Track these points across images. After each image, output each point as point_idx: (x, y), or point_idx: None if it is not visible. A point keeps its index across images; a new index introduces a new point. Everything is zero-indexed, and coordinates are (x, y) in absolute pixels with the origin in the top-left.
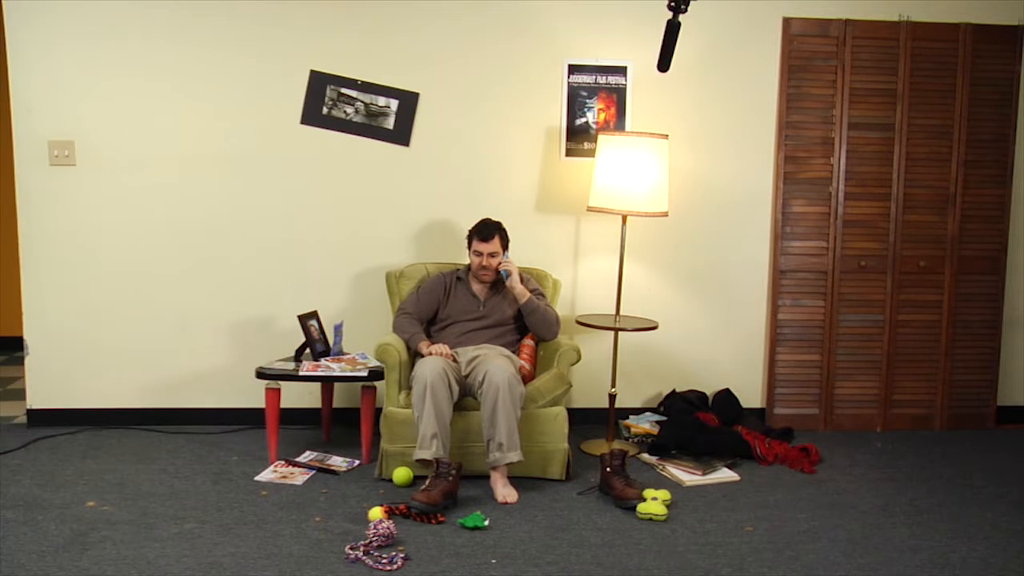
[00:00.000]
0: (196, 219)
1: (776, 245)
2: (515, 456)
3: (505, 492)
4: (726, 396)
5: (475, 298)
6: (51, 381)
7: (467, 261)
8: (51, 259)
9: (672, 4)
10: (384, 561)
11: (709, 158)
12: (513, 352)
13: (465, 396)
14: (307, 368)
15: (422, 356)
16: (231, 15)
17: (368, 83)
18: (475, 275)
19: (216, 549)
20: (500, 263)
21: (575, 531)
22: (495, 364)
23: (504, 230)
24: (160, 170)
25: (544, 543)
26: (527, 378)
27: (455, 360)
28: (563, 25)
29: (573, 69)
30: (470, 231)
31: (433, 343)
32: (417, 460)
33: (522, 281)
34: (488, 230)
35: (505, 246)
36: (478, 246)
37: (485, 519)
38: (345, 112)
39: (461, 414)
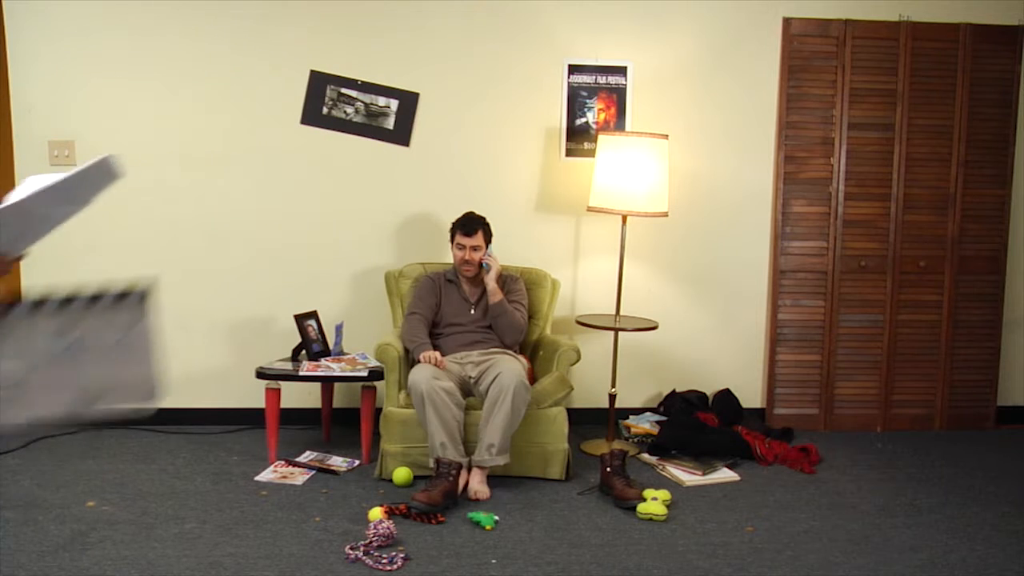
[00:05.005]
0: (196, 219)
1: (776, 245)
2: (503, 460)
3: (479, 488)
4: (726, 396)
5: (466, 301)
6: None
7: None
8: (51, 259)
9: None
10: (384, 561)
11: (709, 158)
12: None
13: (469, 396)
14: (307, 368)
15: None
16: (231, 15)
17: (368, 83)
18: (457, 269)
19: (216, 549)
20: (482, 257)
21: (575, 531)
22: (508, 367)
23: (487, 225)
24: (160, 170)
25: (544, 543)
26: (528, 378)
27: (457, 364)
28: (563, 25)
29: (573, 69)
30: (453, 224)
31: (432, 351)
32: (434, 462)
33: (504, 284)
34: (472, 224)
35: (488, 241)
36: (461, 240)
37: (495, 521)
38: (345, 112)
39: (467, 413)
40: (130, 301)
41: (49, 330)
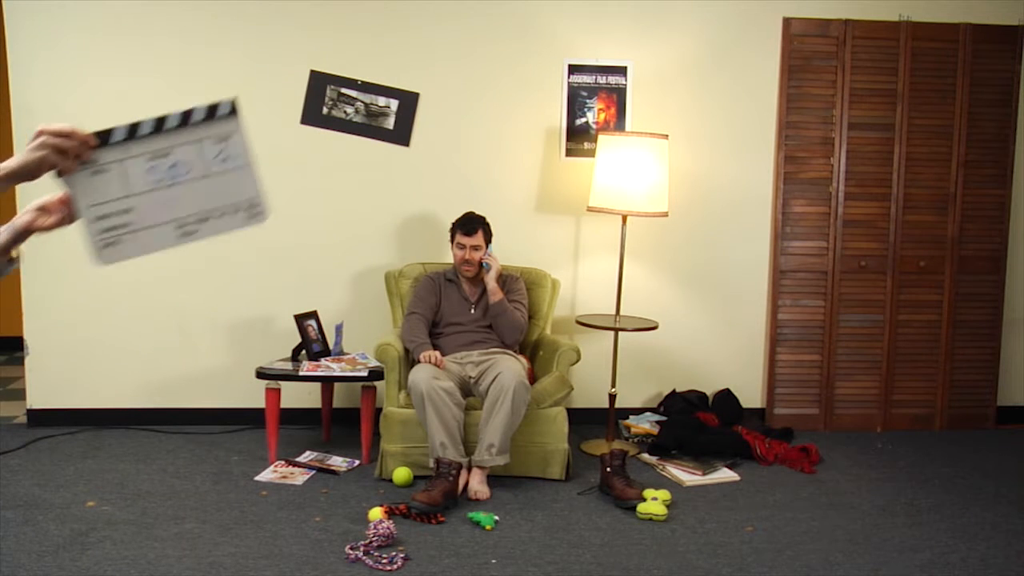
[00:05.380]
0: None
1: (776, 245)
2: (503, 460)
3: (479, 488)
4: (726, 396)
5: (466, 300)
6: (51, 381)
7: None
8: (51, 259)
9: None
10: (384, 561)
11: (709, 158)
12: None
13: (469, 396)
14: (307, 368)
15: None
16: (231, 15)
17: (368, 83)
18: (458, 269)
19: (216, 549)
20: (483, 256)
21: (575, 531)
22: (508, 367)
23: (487, 224)
24: None
25: (544, 543)
26: (528, 378)
27: (457, 364)
28: (563, 25)
29: (573, 69)
30: (453, 224)
31: (432, 351)
32: (434, 462)
33: (505, 284)
34: (472, 224)
35: (488, 240)
36: (461, 239)
37: (495, 521)
38: (345, 112)
39: (467, 413)
40: (220, 116)
41: (145, 158)
